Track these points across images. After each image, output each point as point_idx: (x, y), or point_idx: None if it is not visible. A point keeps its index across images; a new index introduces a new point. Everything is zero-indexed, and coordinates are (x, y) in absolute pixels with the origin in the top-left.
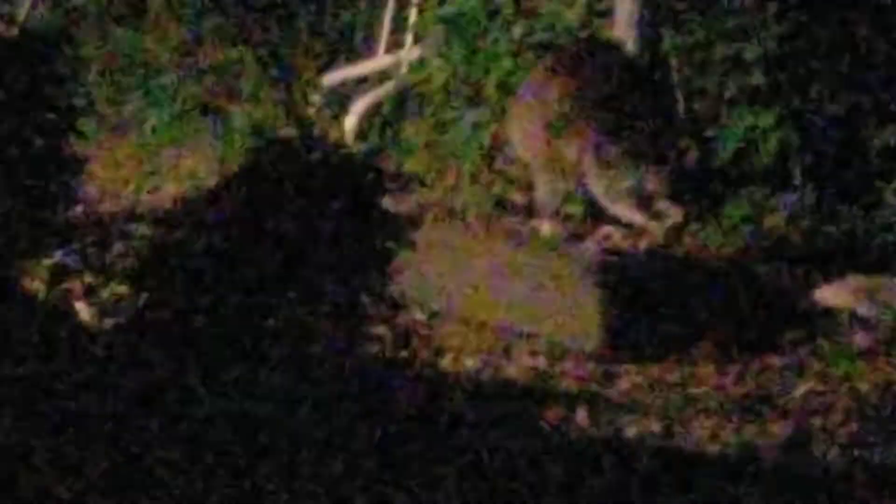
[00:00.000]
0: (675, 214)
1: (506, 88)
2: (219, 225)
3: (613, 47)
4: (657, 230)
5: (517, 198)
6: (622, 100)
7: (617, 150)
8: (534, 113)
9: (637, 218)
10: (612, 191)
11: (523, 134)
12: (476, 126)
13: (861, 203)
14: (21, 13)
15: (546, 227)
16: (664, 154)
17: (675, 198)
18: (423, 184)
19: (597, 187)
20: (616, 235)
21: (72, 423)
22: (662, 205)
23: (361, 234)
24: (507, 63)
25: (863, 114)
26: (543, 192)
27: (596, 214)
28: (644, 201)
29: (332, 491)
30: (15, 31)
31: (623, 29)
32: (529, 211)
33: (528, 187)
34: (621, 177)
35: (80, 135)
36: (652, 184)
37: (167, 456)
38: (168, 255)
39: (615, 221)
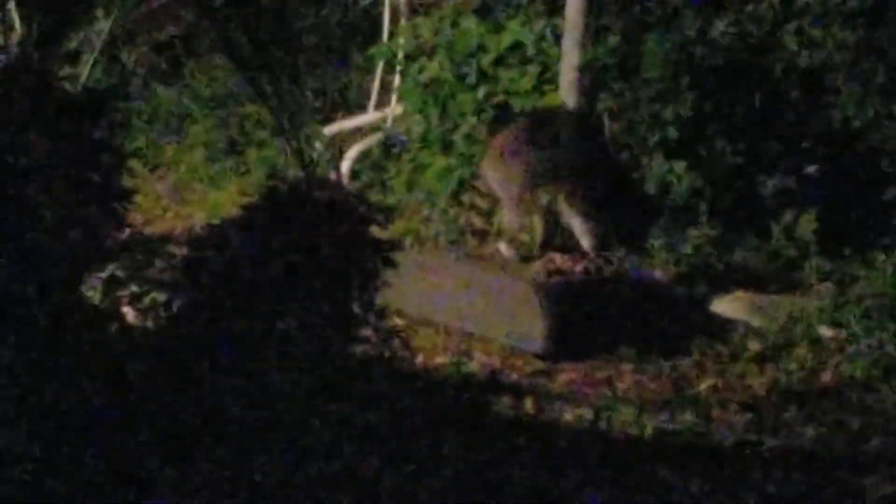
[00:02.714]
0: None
1: (470, 139)
2: (238, 247)
3: (565, 112)
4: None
5: (480, 224)
6: (574, 154)
7: (586, 197)
8: (514, 163)
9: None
10: (586, 230)
11: (502, 176)
12: (446, 169)
13: (754, 237)
14: (83, 74)
15: (504, 248)
16: (605, 198)
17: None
18: (402, 216)
19: (575, 227)
20: (559, 260)
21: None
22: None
23: (354, 256)
24: (471, 119)
25: (758, 164)
26: (509, 221)
27: (544, 242)
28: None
29: (330, 449)
30: (78, 89)
31: (566, 93)
32: (487, 236)
33: (489, 216)
34: (592, 217)
35: (129, 172)
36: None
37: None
38: (197, 271)
39: (559, 249)
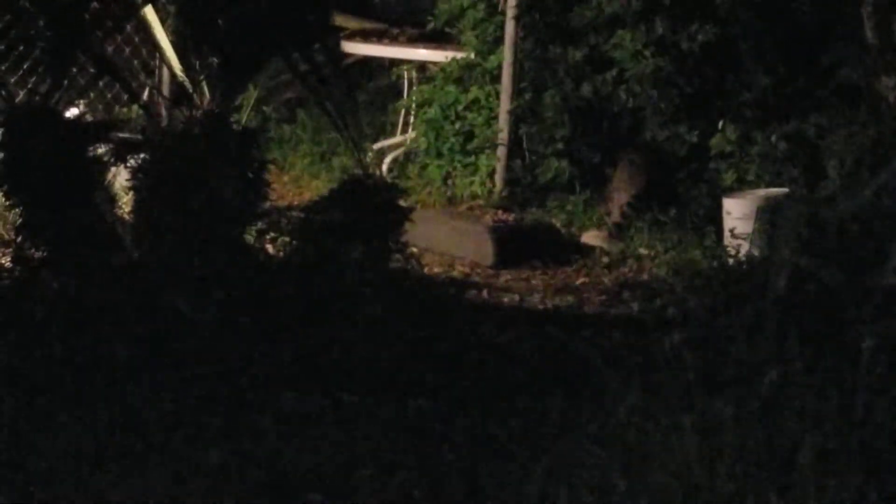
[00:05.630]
0: None
1: (451, 151)
2: (328, 211)
3: None
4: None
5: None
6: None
7: None
8: None
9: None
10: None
11: None
12: (438, 167)
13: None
14: (242, 118)
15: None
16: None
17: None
18: (415, 193)
19: None
20: (500, 214)
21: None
22: None
23: (389, 215)
24: (452, 140)
25: (609, 161)
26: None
27: (493, 206)
28: None
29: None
30: (239, 128)
31: (503, 125)
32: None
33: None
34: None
35: (268, 171)
36: None
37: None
38: (306, 224)
39: (501, 208)
